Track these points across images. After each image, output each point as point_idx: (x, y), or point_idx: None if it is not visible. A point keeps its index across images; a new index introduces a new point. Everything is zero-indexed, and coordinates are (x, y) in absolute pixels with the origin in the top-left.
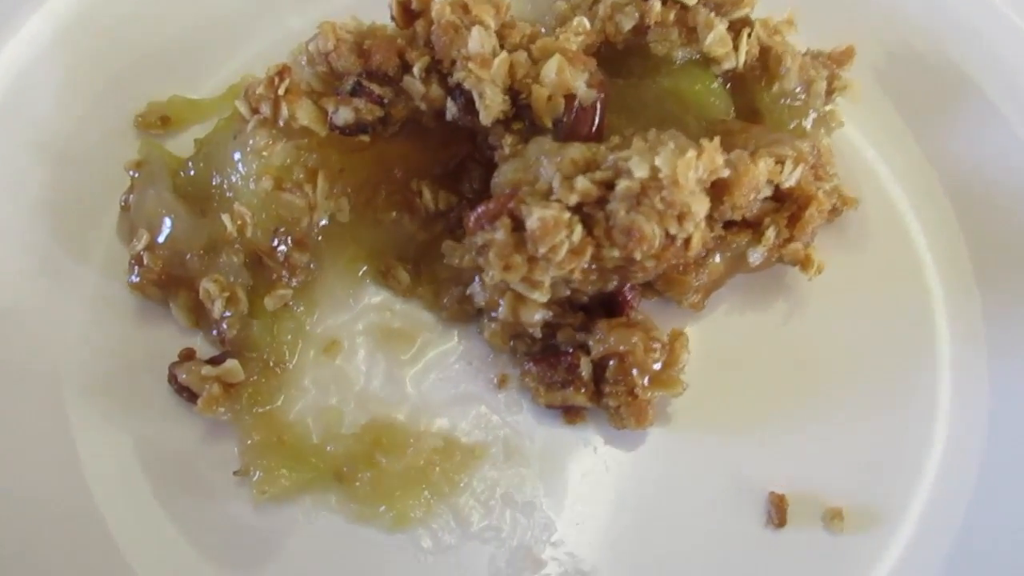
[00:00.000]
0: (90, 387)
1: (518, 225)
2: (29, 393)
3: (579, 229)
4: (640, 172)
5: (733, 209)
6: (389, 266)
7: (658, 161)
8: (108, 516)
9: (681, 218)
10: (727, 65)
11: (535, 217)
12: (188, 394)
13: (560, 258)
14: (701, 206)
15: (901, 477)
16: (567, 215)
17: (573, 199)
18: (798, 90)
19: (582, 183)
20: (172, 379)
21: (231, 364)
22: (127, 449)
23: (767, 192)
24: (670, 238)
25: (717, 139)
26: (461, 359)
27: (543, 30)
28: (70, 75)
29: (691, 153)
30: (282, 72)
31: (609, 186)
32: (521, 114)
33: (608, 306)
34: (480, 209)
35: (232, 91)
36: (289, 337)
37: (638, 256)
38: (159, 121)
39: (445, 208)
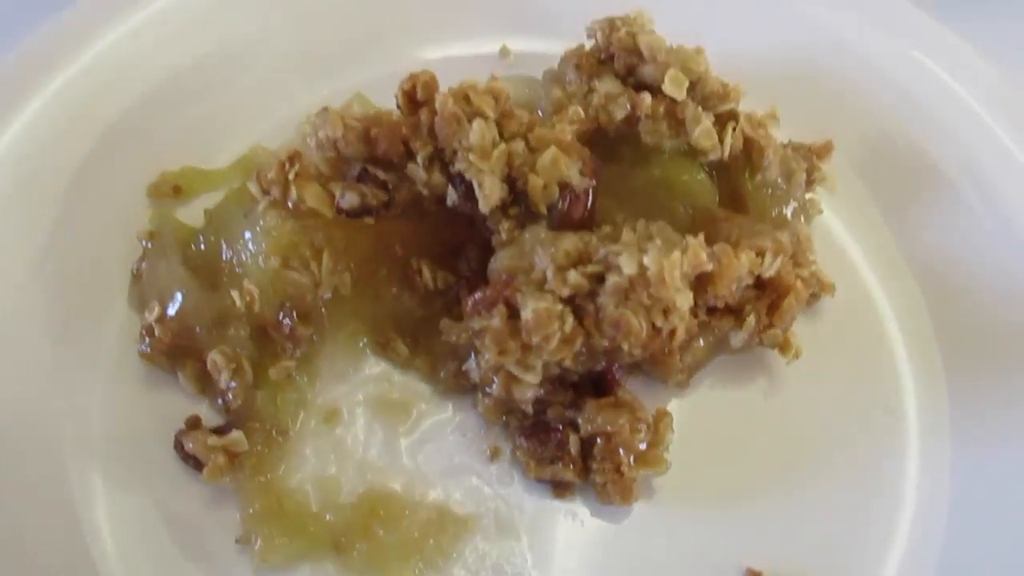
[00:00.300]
0: (98, 452)
1: (513, 312)
2: (39, 455)
3: (571, 320)
4: (629, 269)
5: (716, 298)
6: (389, 339)
7: (646, 260)
8: None
9: (666, 312)
10: (713, 156)
11: (530, 309)
12: (194, 462)
13: (552, 347)
14: (685, 301)
15: (870, 555)
16: (559, 307)
17: (566, 291)
18: (779, 180)
19: (574, 277)
20: (178, 447)
21: (236, 435)
22: (131, 513)
23: (749, 281)
24: (656, 330)
25: (701, 236)
26: (456, 431)
27: (540, 112)
28: (85, 147)
29: (676, 253)
30: (292, 157)
31: (599, 279)
32: (518, 199)
33: (597, 384)
34: (478, 295)
35: (242, 162)
36: (291, 407)
37: (625, 347)
38: (171, 191)
39: (444, 287)
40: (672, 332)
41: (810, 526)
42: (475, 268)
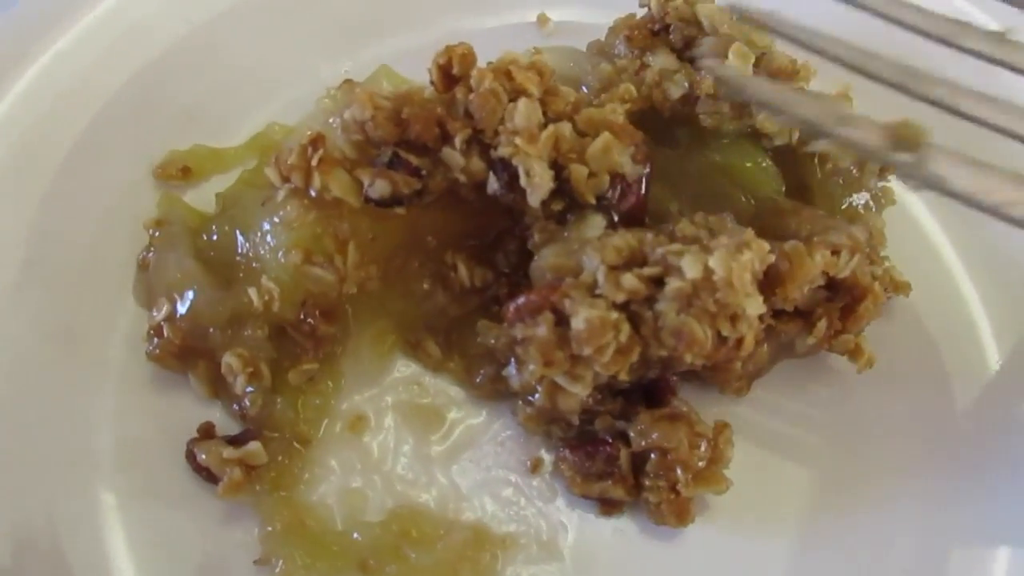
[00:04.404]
0: (104, 460)
1: (561, 320)
2: (43, 467)
3: (626, 329)
4: (692, 273)
5: (785, 301)
6: (419, 339)
7: (712, 261)
8: None
9: (734, 319)
10: (779, 140)
11: (581, 318)
12: (207, 474)
13: (606, 359)
14: (756, 307)
15: None
16: (614, 315)
17: (620, 297)
18: (851, 168)
19: (629, 281)
20: (191, 457)
21: (254, 447)
22: (139, 530)
23: (820, 282)
24: (722, 339)
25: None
26: (492, 440)
27: (584, 89)
28: (82, 125)
29: (748, 254)
30: (315, 141)
31: (657, 282)
32: (562, 190)
33: (649, 392)
34: (521, 300)
35: (257, 140)
36: (314, 413)
37: (688, 359)
38: (179, 172)
39: (481, 284)
40: (739, 341)
41: (883, 552)
42: (514, 263)
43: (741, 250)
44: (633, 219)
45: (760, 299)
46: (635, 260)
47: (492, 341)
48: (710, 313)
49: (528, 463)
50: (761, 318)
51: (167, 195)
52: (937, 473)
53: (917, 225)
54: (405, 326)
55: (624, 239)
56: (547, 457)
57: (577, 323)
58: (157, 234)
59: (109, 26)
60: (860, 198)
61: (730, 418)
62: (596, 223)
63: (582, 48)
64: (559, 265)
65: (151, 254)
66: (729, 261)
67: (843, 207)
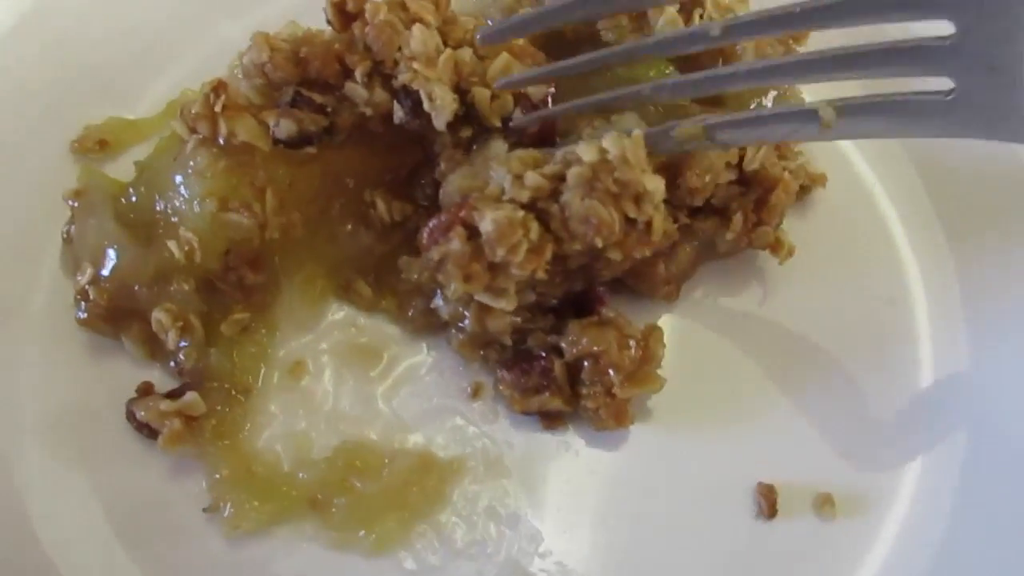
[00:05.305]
0: (41, 433)
1: (473, 233)
2: None
3: (536, 226)
4: (588, 156)
5: (691, 193)
6: (349, 280)
7: (605, 143)
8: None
9: (638, 199)
10: None
11: (488, 220)
12: (149, 431)
13: (520, 259)
14: (656, 184)
15: (889, 458)
16: (521, 213)
17: (525, 195)
18: None
19: (532, 178)
20: (131, 416)
21: (191, 397)
22: (86, 496)
23: (730, 176)
24: (631, 223)
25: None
26: (432, 371)
27: (489, 22)
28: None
29: (638, 132)
30: (217, 88)
31: (561, 178)
32: (469, 116)
33: (578, 306)
34: (432, 223)
35: (171, 108)
36: (251, 362)
37: (599, 243)
38: (96, 145)
39: (401, 218)
40: (648, 224)
41: (821, 432)
42: (431, 195)
43: (632, 132)
44: (542, 140)
45: (661, 180)
46: (539, 166)
47: (415, 276)
48: (613, 194)
49: (469, 389)
50: (674, 215)
51: (86, 167)
52: (865, 351)
53: None
54: (334, 269)
55: (529, 152)
56: (487, 382)
57: (486, 225)
58: (76, 204)
59: (15, 5)
60: (769, 99)
61: (664, 324)
62: (501, 145)
63: None
64: (466, 186)
65: (73, 226)
66: (621, 140)
67: (752, 108)
